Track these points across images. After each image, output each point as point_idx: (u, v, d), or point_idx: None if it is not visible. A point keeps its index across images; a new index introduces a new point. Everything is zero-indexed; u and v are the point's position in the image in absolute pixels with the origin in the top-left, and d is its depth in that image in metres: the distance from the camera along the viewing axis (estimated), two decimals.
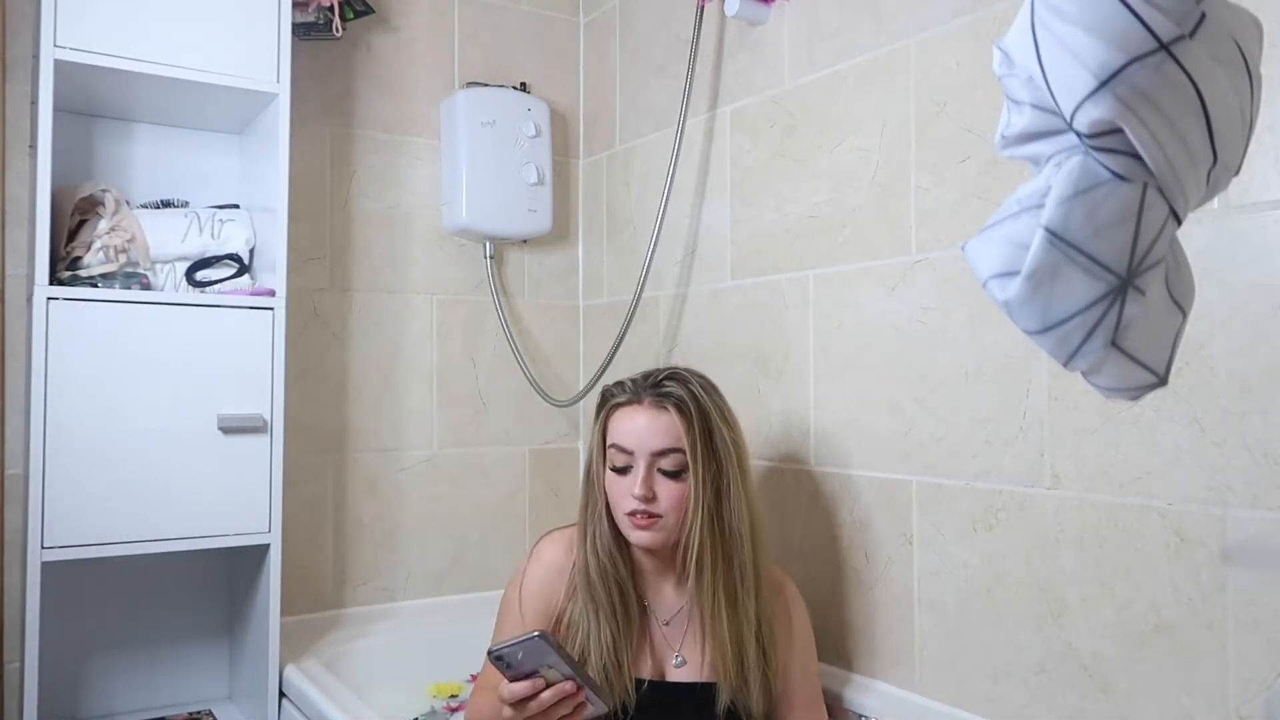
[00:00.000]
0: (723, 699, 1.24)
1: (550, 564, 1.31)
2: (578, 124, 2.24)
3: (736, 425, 1.28)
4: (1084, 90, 0.57)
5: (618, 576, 1.26)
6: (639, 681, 1.26)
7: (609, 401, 1.28)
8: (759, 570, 1.28)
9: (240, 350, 1.56)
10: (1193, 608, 1.08)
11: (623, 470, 1.24)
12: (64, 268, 1.52)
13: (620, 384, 1.29)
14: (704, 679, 1.27)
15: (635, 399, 1.25)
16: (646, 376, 1.28)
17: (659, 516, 1.22)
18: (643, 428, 1.22)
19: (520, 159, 2.00)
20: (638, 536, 1.23)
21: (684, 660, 1.29)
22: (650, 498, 1.21)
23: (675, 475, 1.22)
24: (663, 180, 1.82)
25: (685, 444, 1.21)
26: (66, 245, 1.54)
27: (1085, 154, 0.61)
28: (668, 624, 1.30)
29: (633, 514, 1.22)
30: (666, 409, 1.22)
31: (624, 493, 1.23)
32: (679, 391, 1.23)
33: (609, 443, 1.26)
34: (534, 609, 1.29)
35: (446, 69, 2.06)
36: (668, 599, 1.31)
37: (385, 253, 1.98)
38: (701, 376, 1.29)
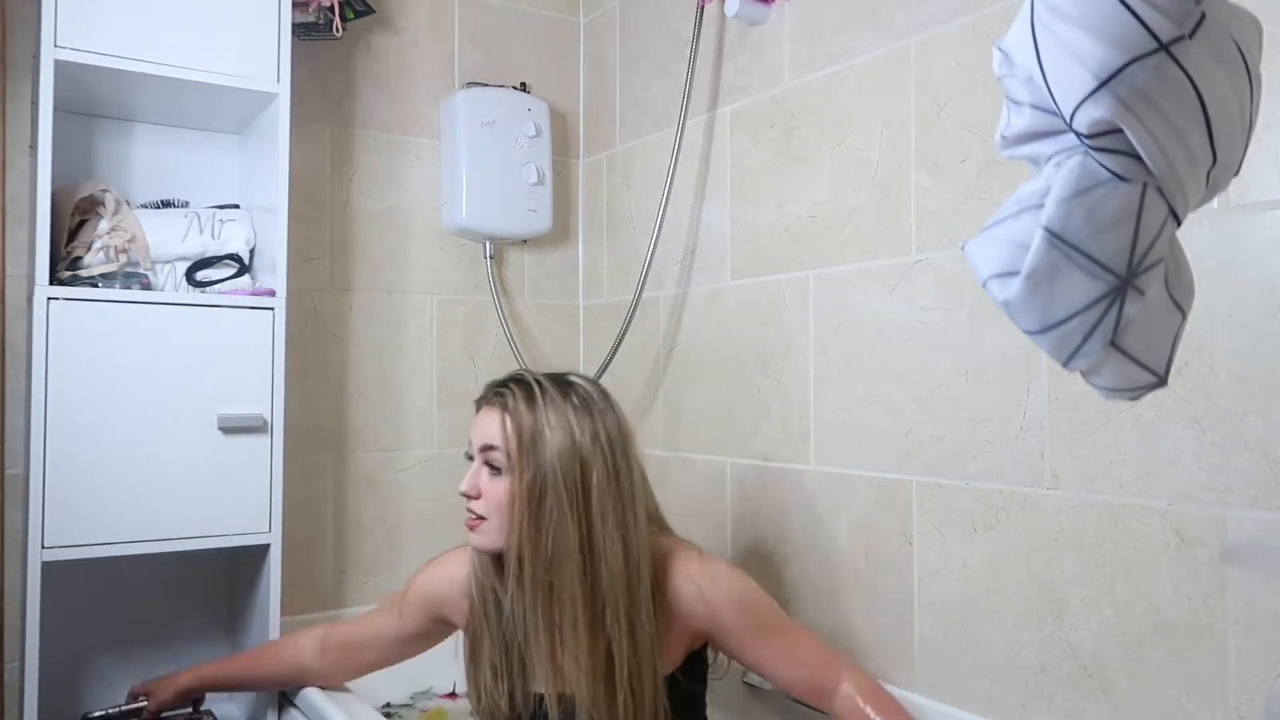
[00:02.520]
0: (574, 713, 1.19)
1: (454, 567, 1.34)
2: (578, 124, 2.24)
3: (585, 445, 1.17)
4: (1084, 90, 0.57)
5: (484, 583, 1.25)
6: (538, 696, 1.23)
7: (476, 401, 1.28)
8: (602, 601, 1.16)
9: (240, 350, 1.56)
10: (1193, 608, 1.08)
11: (470, 460, 1.25)
12: (64, 268, 1.52)
13: (489, 384, 1.27)
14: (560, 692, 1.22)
15: (484, 398, 1.24)
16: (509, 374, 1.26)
17: (484, 518, 1.19)
18: (478, 423, 1.22)
19: (520, 159, 2.00)
20: (469, 539, 1.22)
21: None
22: (473, 495, 1.20)
23: (497, 473, 1.19)
24: (663, 180, 1.82)
25: (499, 440, 1.18)
26: (67, 245, 1.54)
27: (1085, 154, 0.61)
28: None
29: (468, 515, 1.21)
30: (494, 407, 1.21)
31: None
32: (510, 391, 1.20)
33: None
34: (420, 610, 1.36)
35: (446, 69, 2.06)
36: None
37: (385, 253, 1.98)
38: (563, 389, 1.21)
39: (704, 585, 1.22)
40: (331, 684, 1.47)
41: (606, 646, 1.17)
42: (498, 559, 1.23)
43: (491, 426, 1.19)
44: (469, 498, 1.21)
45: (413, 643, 1.41)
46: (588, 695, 1.16)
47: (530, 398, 1.19)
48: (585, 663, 1.16)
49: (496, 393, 1.22)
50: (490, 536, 1.20)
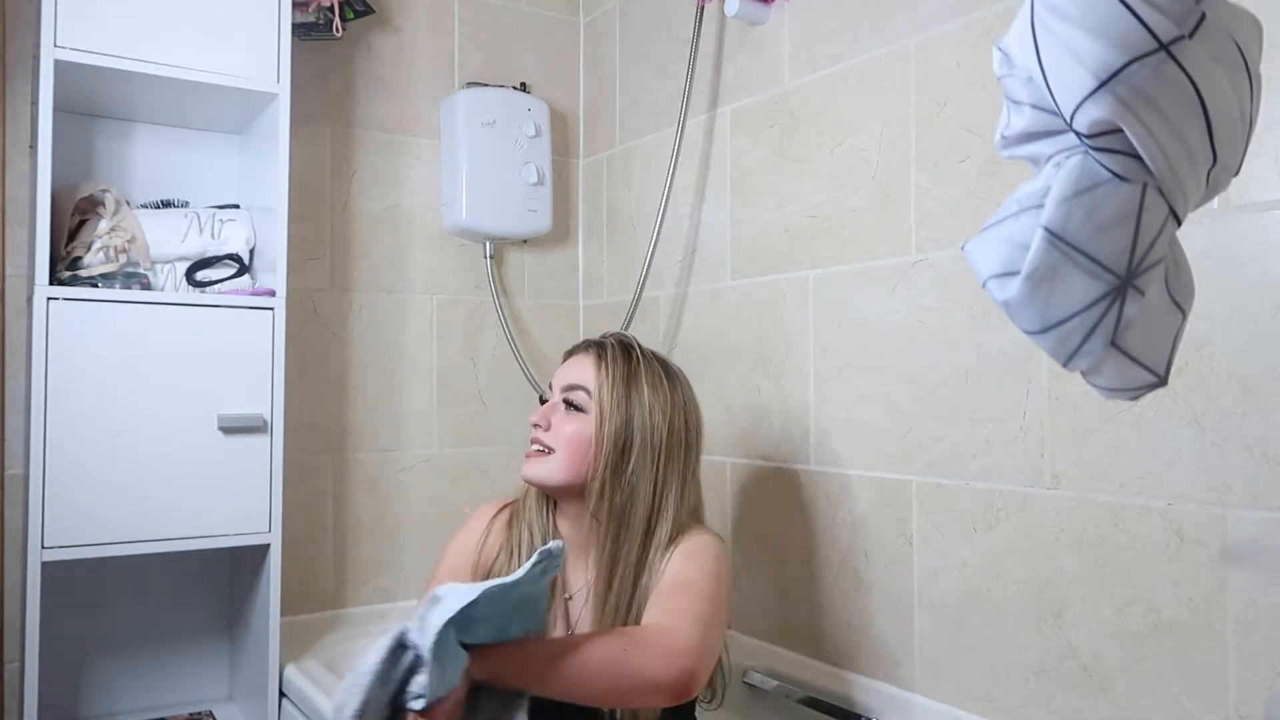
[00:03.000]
0: None
1: (479, 520, 1.31)
2: (578, 124, 2.24)
3: (675, 411, 1.22)
4: (1084, 90, 0.57)
5: (536, 533, 1.25)
6: None
7: (565, 355, 1.31)
8: (649, 561, 1.19)
9: (240, 350, 1.56)
10: (1193, 608, 1.08)
11: (543, 403, 1.27)
12: (64, 268, 1.52)
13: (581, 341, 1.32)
14: None
15: (578, 349, 1.28)
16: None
17: (549, 451, 1.21)
18: (567, 367, 1.26)
19: (520, 159, 2.00)
20: (525, 469, 1.22)
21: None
22: (544, 425, 1.22)
23: (577, 411, 1.21)
24: (663, 180, 1.82)
25: (592, 384, 1.21)
26: (67, 245, 1.54)
27: (1085, 154, 0.61)
28: (570, 598, 1.26)
29: (531, 445, 1.23)
30: (590, 354, 1.25)
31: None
32: (610, 341, 1.26)
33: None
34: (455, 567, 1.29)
35: (446, 69, 2.06)
36: (579, 574, 1.26)
37: (385, 253, 1.98)
38: (656, 359, 1.26)
39: (681, 545, 1.20)
40: None
41: (640, 607, 1.17)
42: (546, 499, 1.26)
43: (585, 370, 1.23)
44: (538, 427, 1.22)
45: None
46: None
47: (629, 356, 1.24)
48: (621, 614, 1.17)
49: (596, 343, 1.26)
50: (549, 469, 1.21)
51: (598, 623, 1.20)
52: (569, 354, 1.29)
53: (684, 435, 1.24)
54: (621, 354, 1.24)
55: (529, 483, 1.24)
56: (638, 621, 1.16)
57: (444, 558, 1.31)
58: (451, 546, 1.32)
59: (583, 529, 1.24)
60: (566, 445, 1.20)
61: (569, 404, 1.22)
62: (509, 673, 0.96)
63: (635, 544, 1.19)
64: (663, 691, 1.01)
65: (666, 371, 1.26)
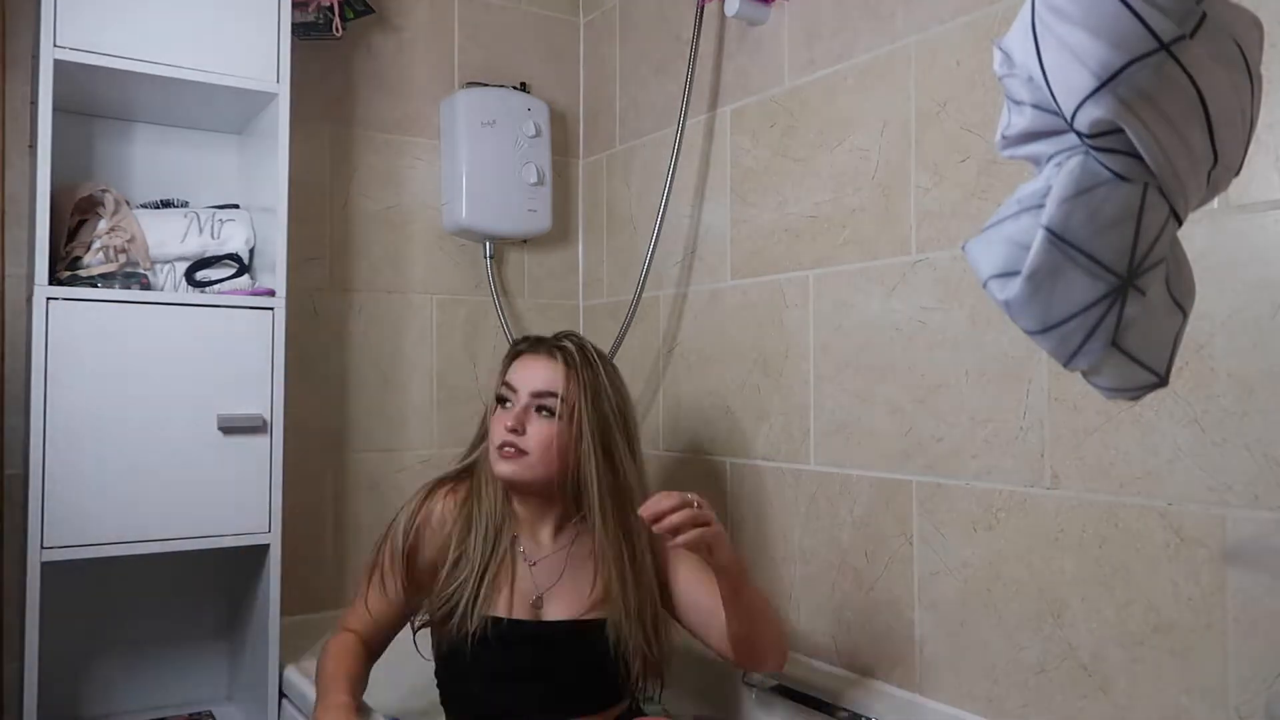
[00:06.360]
0: (600, 637, 1.32)
1: (443, 515, 1.40)
2: (578, 124, 2.24)
3: (628, 405, 1.39)
4: (1084, 90, 0.57)
5: (494, 512, 1.36)
6: (496, 619, 1.31)
7: (514, 349, 1.41)
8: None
9: (240, 350, 1.56)
10: (1193, 608, 1.08)
11: (505, 406, 1.36)
12: (64, 268, 1.52)
13: (527, 337, 1.42)
14: (568, 617, 1.34)
15: (534, 349, 1.38)
16: (553, 334, 1.41)
17: (525, 453, 1.31)
18: (530, 370, 1.35)
19: (520, 159, 2.00)
20: (501, 468, 1.32)
21: (542, 602, 1.35)
22: (519, 430, 1.31)
23: (549, 416, 1.32)
24: (663, 180, 1.82)
25: (562, 391, 1.32)
26: (66, 245, 1.54)
27: (1086, 154, 0.61)
28: (534, 565, 1.37)
29: (502, 446, 1.32)
30: (555, 358, 1.35)
31: (499, 426, 1.33)
32: (570, 347, 1.36)
33: (502, 382, 1.38)
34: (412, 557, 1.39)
35: (446, 69, 2.06)
36: (541, 544, 1.39)
37: (385, 253, 1.98)
38: (603, 354, 1.40)
39: None
40: None
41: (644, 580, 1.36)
42: (503, 489, 1.37)
43: (552, 376, 1.33)
44: (515, 431, 1.31)
45: (406, 614, 1.43)
46: (633, 612, 1.33)
47: (583, 354, 1.36)
48: (634, 592, 1.33)
49: (557, 346, 1.37)
50: (528, 469, 1.32)
51: (608, 573, 1.34)
52: (518, 353, 1.39)
53: (632, 417, 1.40)
54: (580, 357, 1.35)
55: (504, 480, 1.35)
56: (638, 563, 1.35)
57: (389, 564, 1.39)
58: (390, 553, 1.39)
59: (531, 508, 1.39)
60: (540, 448, 1.31)
61: (541, 409, 1.33)
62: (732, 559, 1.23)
63: (606, 511, 1.34)
64: (782, 655, 1.36)
65: (610, 362, 1.40)
